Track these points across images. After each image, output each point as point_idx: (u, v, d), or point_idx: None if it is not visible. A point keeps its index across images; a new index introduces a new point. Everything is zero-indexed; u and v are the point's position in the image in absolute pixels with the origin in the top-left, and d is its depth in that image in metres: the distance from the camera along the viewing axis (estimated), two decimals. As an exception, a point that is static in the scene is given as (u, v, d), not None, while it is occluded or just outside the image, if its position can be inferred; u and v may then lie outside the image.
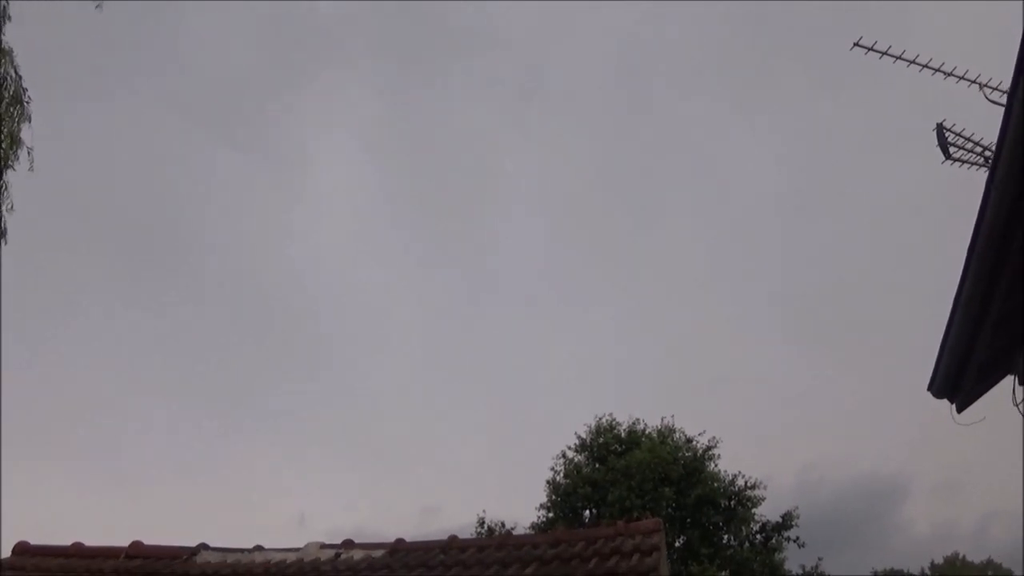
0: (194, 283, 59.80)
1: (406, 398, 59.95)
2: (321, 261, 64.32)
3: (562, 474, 27.10)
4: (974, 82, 11.18)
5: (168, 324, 54.51)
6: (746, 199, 64.60)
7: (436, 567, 9.99)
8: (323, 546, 11.07)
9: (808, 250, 64.39)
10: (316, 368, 60.73)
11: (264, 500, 49.49)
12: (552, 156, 68.45)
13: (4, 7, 9.57)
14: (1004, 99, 9.60)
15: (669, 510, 24.63)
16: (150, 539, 11.46)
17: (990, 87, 11.02)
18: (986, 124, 11.42)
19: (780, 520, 26.15)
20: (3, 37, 9.61)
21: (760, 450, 45.70)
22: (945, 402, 7.81)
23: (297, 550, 11.02)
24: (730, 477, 26.24)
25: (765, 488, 26.20)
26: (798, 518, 26.20)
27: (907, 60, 11.50)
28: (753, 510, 25.87)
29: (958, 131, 11.57)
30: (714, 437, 27.00)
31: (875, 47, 11.54)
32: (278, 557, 10.87)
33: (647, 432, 27.58)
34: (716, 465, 26.58)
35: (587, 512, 26.11)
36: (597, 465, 26.74)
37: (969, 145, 11.48)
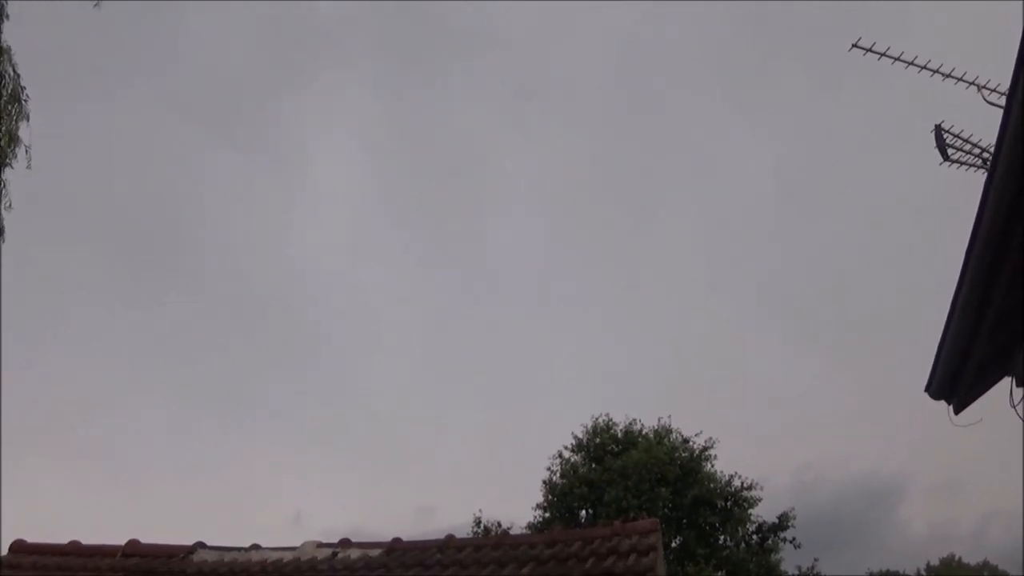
0: (193, 282, 59.85)
1: (403, 397, 60.01)
2: (320, 260, 64.38)
3: (559, 474, 27.12)
4: (972, 84, 11.18)
5: (166, 323, 54.54)
6: (745, 199, 64.73)
7: (433, 566, 9.99)
8: (320, 545, 11.07)
9: (806, 250, 64.50)
10: (313, 367, 60.81)
11: (261, 499, 49.54)
12: (552, 156, 68.54)
13: (3, 5, 9.59)
14: (1003, 101, 9.63)
15: (665, 510, 24.64)
16: (147, 538, 11.48)
17: (988, 89, 11.02)
18: (984, 126, 11.44)
19: (776, 521, 26.18)
20: (2, 36, 9.63)
21: (757, 450, 45.79)
22: (943, 403, 7.81)
23: (294, 549, 11.03)
24: (726, 478, 26.27)
25: (761, 489, 26.25)
26: (794, 519, 26.26)
27: (905, 61, 11.50)
28: (749, 511, 25.89)
29: (956, 132, 11.58)
30: (711, 438, 27.06)
31: (874, 48, 11.54)
32: (275, 556, 10.87)
33: (644, 432, 27.61)
34: (713, 466, 26.63)
35: (583, 512, 26.11)
36: (594, 465, 26.75)
37: (967, 147, 11.48)
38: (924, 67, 11.47)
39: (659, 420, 28.03)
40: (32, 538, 11.49)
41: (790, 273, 65.22)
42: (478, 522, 26.97)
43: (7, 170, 9.81)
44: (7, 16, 9.68)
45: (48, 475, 38.47)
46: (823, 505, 56.06)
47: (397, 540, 10.99)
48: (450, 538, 10.88)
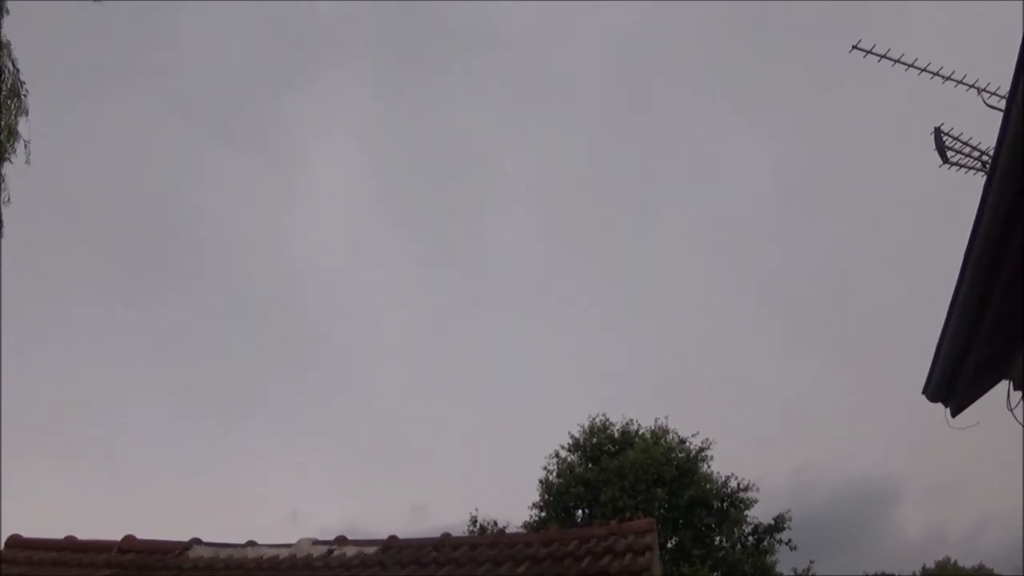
0: (191, 281, 59.77)
1: (400, 396, 59.89)
2: (318, 260, 64.22)
3: (555, 473, 27.12)
4: (972, 86, 11.20)
5: (163, 322, 54.45)
6: (744, 199, 64.66)
7: (429, 564, 9.99)
8: (316, 542, 11.08)
9: (804, 251, 64.46)
10: (310, 366, 60.72)
11: (257, 496, 49.48)
12: (551, 155, 68.47)
13: (2, 1, 9.59)
14: (1002, 104, 9.64)
15: (661, 511, 24.64)
16: (144, 534, 11.48)
17: (988, 92, 11.05)
18: (984, 129, 11.45)
19: (772, 522, 26.17)
20: (1, 30, 9.63)
21: (753, 452, 45.73)
22: (940, 406, 7.82)
23: (290, 546, 11.03)
24: (723, 479, 26.26)
25: (758, 490, 26.24)
26: (790, 520, 26.24)
27: (905, 63, 11.53)
28: (745, 512, 25.88)
29: (956, 135, 11.60)
30: (707, 438, 27.05)
31: (874, 50, 11.56)
32: (271, 553, 10.88)
33: (640, 432, 27.61)
34: (709, 466, 26.63)
35: (580, 512, 26.11)
36: (590, 465, 26.74)
37: (967, 150, 11.51)
38: (924, 69, 11.50)
39: (656, 420, 28.05)
40: (29, 534, 11.49)
41: (788, 273, 65.24)
42: (474, 521, 26.94)
43: (6, 165, 9.81)
44: (7, 11, 9.69)
45: (45, 472, 38.44)
46: (819, 507, 55.97)
47: (393, 538, 11.00)
48: (446, 536, 10.89)
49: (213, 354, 56.29)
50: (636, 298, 64.43)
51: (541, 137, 67.88)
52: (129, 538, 11.30)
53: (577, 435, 27.97)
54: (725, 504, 25.86)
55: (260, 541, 11.29)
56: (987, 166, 10.65)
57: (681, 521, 25.44)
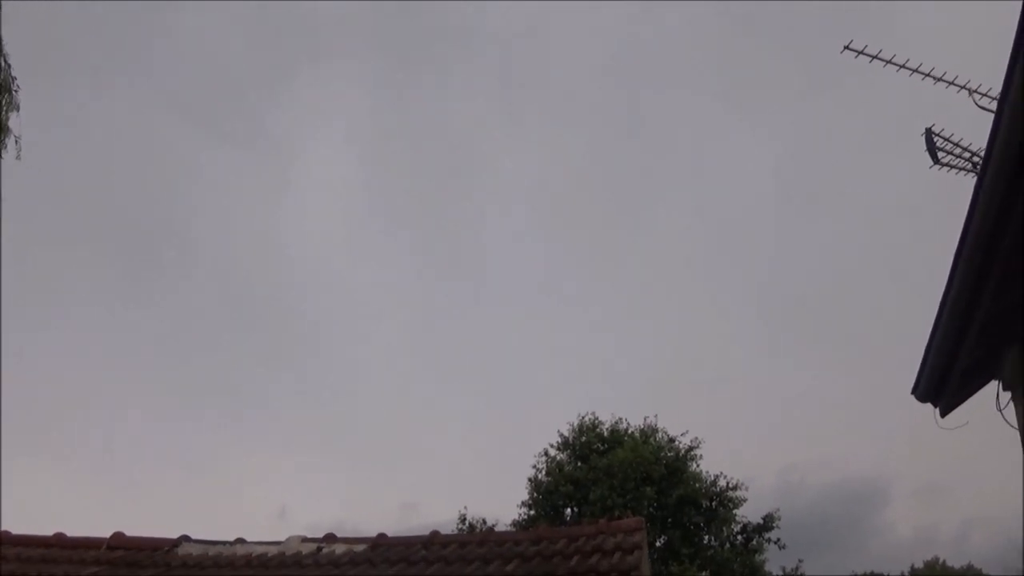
0: (179, 277, 59.61)
1: (389, 394, 59.95)
2: (312, 258, 64.21)
3: (544, 472, 27.14)
4: (964, 88, 11.22)
5: (153, 320, 54.39)
6: (740, 199, 64.63)
7: (418, 562, 9.99)
8: (304, 540, 11.07)
9: (796, 252, 64.54)
10: (301, 364, 60.67)
11: (246, 494, 49.47)
12: (547, 154, 68.40)
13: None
14: (993, 105, 9.66)
15: (650, 509, 24.68)
16: (132, 531, 11.46)
17: (979, 93, 11.07)
18: (974, 130, 11.48)
19: (761, 521, 26.24)
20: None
21: (742, 451, 45.76)
22: (929, 406, 7.83)
23: (279, 543, 11.02)
24: (712, 477, 26.32)
25: (746, 489, 26.31)
26: (779, 520, 26.32)
27: (897, 64, 11.53)
28: (734, 511, 25.94)
29: (947, 136, 11.62)
30: (696, 437, 27.11)
31: (865, 50, 11.56)
32: (260, 550, 10.86)
33: (630, 431, 27.66)
34: (698, 465, 26.69)
35: (569, 510, 26.13)
36: (579, 463, 26.77)
37: (957, 151, 11.53)
38: (915, 70, 11.51)
39: (645, 419, 28.11)
40: (17, 531, 11.46)
41: (779, 274, 65.23)
42: (463, 519, 26.96)
43: (-3, 160, 9.78)
44: (-2, 9, 9.66)
45: (35, 469, 38.36)
46: (808, 506, 56.12)
47: (382, 536, 10.99)
48: (435, 534, 10.88)
49: (203, 352, 56.24)
50: (631, 298, 64.60)
51: (538, 136, 68.07)
52: (118, 535, 11.27)
53: (566, 434, 28.04)
54: (714, 503, 25.91)
55: (249, 538, 11.28)
56: (978, 167, 10.68)
57: (670, 520, 25.48)
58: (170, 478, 46.40)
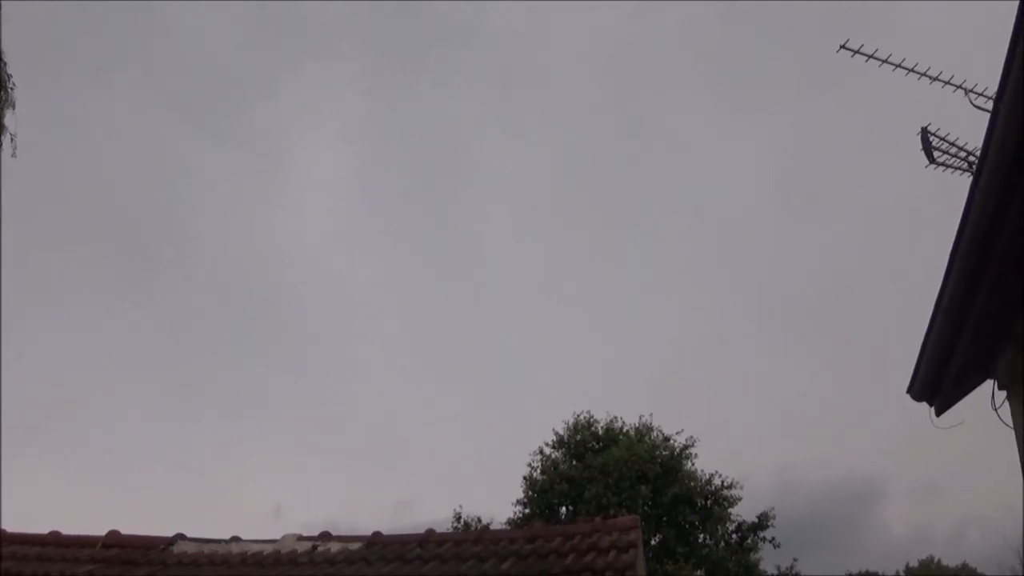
0: (172, 274, 59.47)
1: (384, 392, 59.92)
2: (306, 256, 64.03)
3: (539, 470, 27.16)
4: (959, 87, 11.23)
5: (148, 318, 54.24)
6: (735, 199, 64.67)
7: (413, 560, 9.99)
8: (300, 538, 11.07)
9: (792, 251, 64.52)
10: (297, 362, 60.60)
11: (242, 492, 49.43)
12: (544, 153, 68.29)
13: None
14: (989, 104, 9.68)
15: (645, 508, 24.70)
16: (128, 529, 11.46)
17: (975, 92, 11.08)
18: (970, 129, 11.49)
19: (756, 520, 26.27)
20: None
21: (737, 450, 45.78)
22: (924, 405, 7.84)
23: (274, 542, 11.02)
24: (707, 476, 26.35)
25: (741, 488, 26.35)
26: (774, 518, 26.35)
27: (893, 64, 11.54)
28: (729, 510, 25.98)
29: (943, 135, 11.63)
30: (691, 436, 27.15)
31: (861, 50, 11.57)
32: (255, 548, 10.86)
33: (625, 430, 27.70)
34: (693, 464, 26.74)
35: (564, 509, 26.16)
36: (574, 462, 26.79)
37: (953, 150, 11.54)
38: (911, 70, 11.52)
39: (640, 418, 28.15)
40: (13, 529, 11.46)
41: (774, 274, 65.32)
42: (458, 517, 26.96)
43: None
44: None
45: (29, 467, 38.30)
46: (803, 505, 56.16)
47: (377, 534, 10.99)
48: (430, 532, 10.89)
49: (199, 350, 56.15)
50: (628, 297, 64.53)
51: (536, 136, 67.90)
52: (113, 533, 11.26)
53: (561, 432, 28.06)
54: (709, 502, 25.94)
55: (244, 536, 11.28)
56: (973, 166, 10.70)
57: (665, 518, 25.52)
58: (165, 476, 46.33)
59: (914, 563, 50.45)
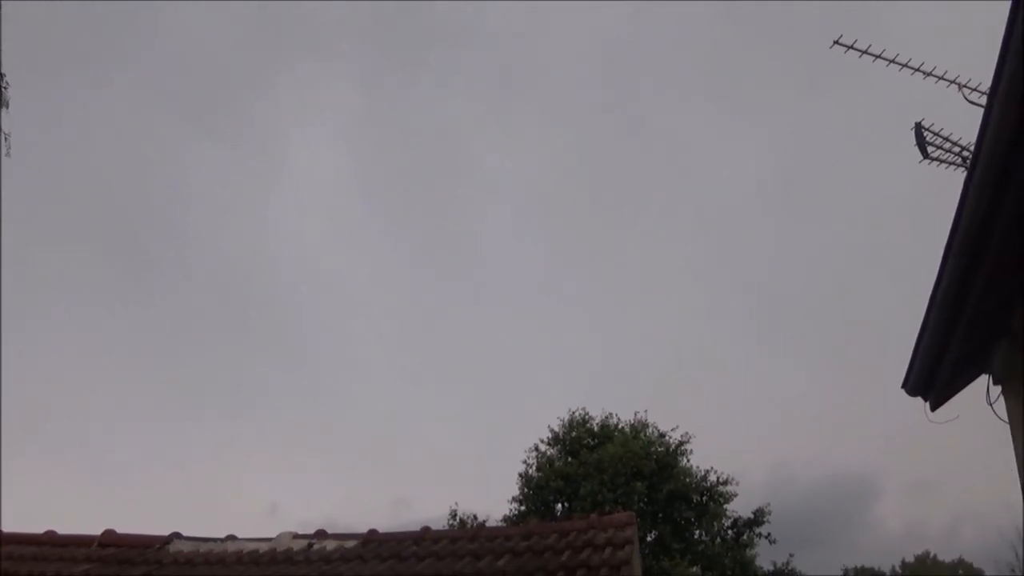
0: (167, 273, 59.40)
1: (380, 390, 59.94)
2: (302, 255, 64.05)
3: (534, 467, 27.19)
4: (953, 82, 11.21)
5: (140, 314, 54.26)
6: (733, 198, 64.73)
7: (409, 558, 9.98)
8: (296, 536, 11.05)
9: (787, 249, 64.63)
10: (293, 360, 60.54)
11: (237, 490, 49.41)
12: (544, 153, 68.28)
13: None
14: (983, 100, 9.68)
15: (641, 504, 24.71)
16: (124, 528, 11.44)
17: (969, 88, 11.07)
18: (964, 124, 11.48)
19: (752, 516, 26.34)
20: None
21: (732, 446, 45.88)
22: (919, 400, 7.84)
23: (270, 540, 11.00)
24: (702, 473, 26.41)
25: (737, 484, 26.42)
26: (770, 514, 26.43)
27: (886, 59, 11.51)
28: (725, 506, 26.05)
29: (936, 131, 11.62)
30: (686, 433, 27.21)
31: (855, 45, 11.55)
32: (251, 547, 10.85)
33: (620, 427, 27.71)
34: (688, 460, 26.79)
35: (559, 505, 26.19)
36: (569, 459, 26.82)
37: (947, 145, 11.53)
38: (905, 65, 11.49)
39: (635, 415, 28.18)
40: (9, 529, 11.44)
41: (769, 271, 65.37)
42: (454, 515, 27.03)
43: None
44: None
45: (25, 466, 38.25)
46: (799, 501, 56.26)
47: (373, 532, 10.99)
48: (426, 530, 10.89)
49: (195, 349, 56.21)
50: (625, 296, 64.51)
51: (536, 136, 67.86)
52: (109, 532, 11.25)
53: (556, 429, 28.07)
54: (704, 498, 25.99)
55: (240, 535, 11.26)
56: (967, 162, 10.70)
57: (660, 515, 25.56)
58: (161, 475, 46.28)
59: (910, 559, 50.67)
